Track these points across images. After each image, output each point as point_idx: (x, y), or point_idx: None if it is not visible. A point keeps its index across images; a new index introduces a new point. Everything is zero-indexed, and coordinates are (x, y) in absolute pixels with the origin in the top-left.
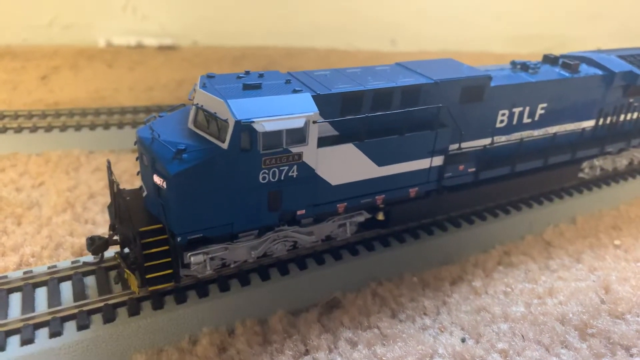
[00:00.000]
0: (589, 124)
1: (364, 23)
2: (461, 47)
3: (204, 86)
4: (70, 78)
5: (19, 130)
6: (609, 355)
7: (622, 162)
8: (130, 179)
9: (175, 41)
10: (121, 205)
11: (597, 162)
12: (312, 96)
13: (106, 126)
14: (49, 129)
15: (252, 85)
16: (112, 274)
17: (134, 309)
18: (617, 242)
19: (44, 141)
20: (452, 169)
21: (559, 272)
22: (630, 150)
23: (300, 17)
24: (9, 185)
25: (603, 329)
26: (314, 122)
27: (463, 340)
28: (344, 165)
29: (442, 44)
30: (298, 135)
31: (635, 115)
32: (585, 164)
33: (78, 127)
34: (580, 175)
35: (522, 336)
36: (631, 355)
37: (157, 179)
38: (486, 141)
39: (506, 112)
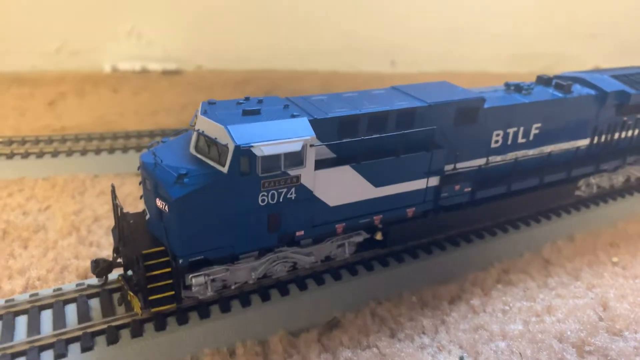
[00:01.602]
0: (583, 142)
1: (364, 45)
2: (459, 68)
3: (205, 112)
4: (77, 104)
5: (26, 155)
6: None
7: (618, 179)
8: (134, 202)
9: (179, 66)
10: (125, 228)
11: (593, 180)
12: (310, 120)
13: (111, 150)
14: (55, 154)
15: (251, 111)
16: (116, 296)
17: (137, 330)
18: (615, 259)
19: (51, 166)
20: (448, 189)
21: (557, 289)
22: (627, 167)
23: (302, 41)
24: (16, 209)
25: (601, 346)
26: (311, 145)
27: (461, 359)
28: (342, 186)
29: (441, 65)
30: (296, 159)
31: (629, 133)
32: (581, 182)
33: (84, 152)
34: (577, 193)
35: (520, 354)
36: None
37: (159, 202)
38: (481, 161)
39: (501, 132)
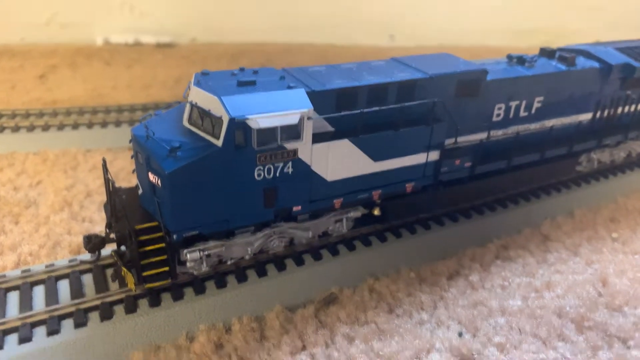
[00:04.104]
0: (586, 116)
1: (362, 18)
2: (459, 41)
3: (198, 83)
4: (69, 76)
5: (16, 129)
6: (605, 347)
7: (620, 154)
8: (127, 177)
9: (173, 38)
10: (117, 203)
11: (594, 155)
12: (307, 92)
13: (103, 124)
14: (46, 127)
15: (246, 82)
16: (109, 272)
17: (131, 306)
18: (614, 234)
19: (42, 140)
20: (449, 164)
21: (556, 265)
22: (628, 142)
23: (298, 13)
24: (7, 184)
25: (600, 321)
26: (309, 118)
27: (460, 335)
28: (340, 160)
29: (440, 38)
30: (293, 132)
31: (632, 107)
32: (582, 157)
33: (75, 126)
34: (578, 168)
35: (519, 330)
36: (628, 348)
37: (152, 176)
38: (482, 135)
39: (502, 105)
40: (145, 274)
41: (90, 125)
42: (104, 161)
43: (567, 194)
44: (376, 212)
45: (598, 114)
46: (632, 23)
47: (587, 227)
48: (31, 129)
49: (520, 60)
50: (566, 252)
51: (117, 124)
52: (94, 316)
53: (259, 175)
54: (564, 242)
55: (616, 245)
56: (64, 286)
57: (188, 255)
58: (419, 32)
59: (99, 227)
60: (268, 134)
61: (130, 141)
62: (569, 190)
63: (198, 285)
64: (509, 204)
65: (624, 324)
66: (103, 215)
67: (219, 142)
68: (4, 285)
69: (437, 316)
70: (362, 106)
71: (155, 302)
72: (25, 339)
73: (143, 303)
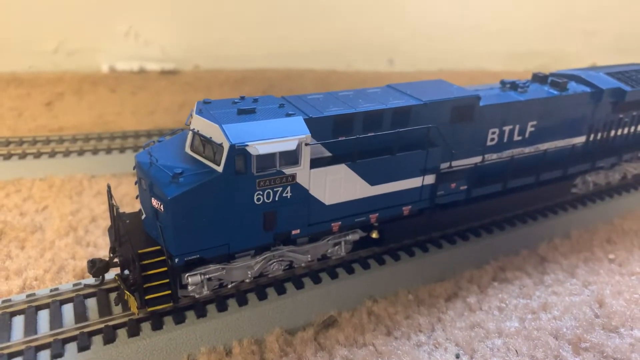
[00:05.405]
0: (579, 140)
1: (362, 44)
2: (458, 66)
3: (200, 112)
4: (75, 104)
5: (23, 156)
6: None
7: (615, 176)
8: (131, 202)
9: (176, 65)
10: (121, 228)
11: (589, 177)
12: (305, 119)
13: (108, 151)
14: (52, 154)
15: (246, 110)
16: (113, 295)
17: (134, 329)
18: (611, 256)
19: (48, 166)
20: (444, 187)
21: (553, 286)
22: (623, 164)
23: (299, 40)
24: (13, 210)
25: (597, 343)
26: (307, 144)
27: (457, 357)
28: (338, 185)
29: (439, 63)
30: (291, 157)
31: (625, 130)
32: (577, 180)
33: (81, 152)
34: (573, 190)
35: (516, 351)
36: None
37: (155, 202)
38: (477, 159)
39: (496, 130)
40: (147, 297)
41: (95, 152)
42: (109, 187)
43: (564, 216)
44: (374, 235)
45: (591, 137)
46: (629, 47)
47: (583, 248)
48: (38, 155)
49: (513, 85)
50: (563, 273)
51: (122, 150)
52: (97, 339)
53: (258, 199)
54: (560, 264)
55: (613, 267)
56: (68, 310)
57: (189, 279)
58: (418, 57)
59: (103, 252)
60: (267, 159)
61: (134, 167)
62: (566, 212)
63: (199, 308)
64: (506, 226)
65: (621, 345)
66: (107, 239)
67: (220, 168)
68: (9, 310)
69: (435, 338)
70: (358, 132)
71: (157, 325)
72: None
73: (146, 326)
